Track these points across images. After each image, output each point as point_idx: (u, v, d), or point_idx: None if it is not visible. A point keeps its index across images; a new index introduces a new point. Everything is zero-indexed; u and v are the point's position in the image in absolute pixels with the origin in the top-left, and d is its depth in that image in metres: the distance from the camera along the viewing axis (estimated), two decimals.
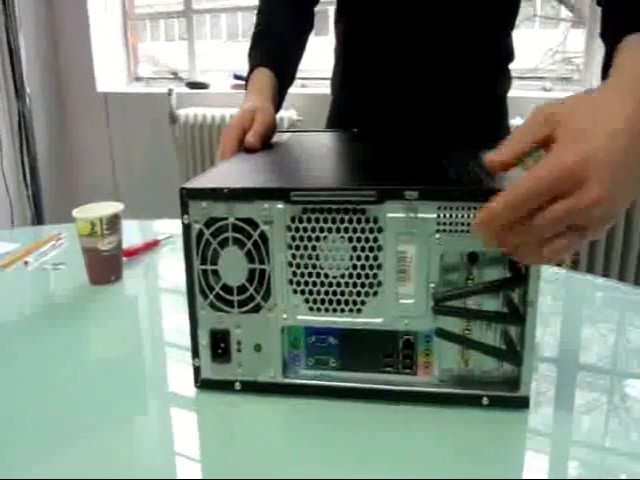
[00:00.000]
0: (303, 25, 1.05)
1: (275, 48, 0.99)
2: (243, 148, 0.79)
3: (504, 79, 1.07)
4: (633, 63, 0.53)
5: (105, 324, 0.81)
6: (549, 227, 0.48)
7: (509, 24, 1.02)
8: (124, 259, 0.97)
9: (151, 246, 1.08)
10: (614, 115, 0.48)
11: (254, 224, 0.58)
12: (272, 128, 0.85)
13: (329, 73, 1.12)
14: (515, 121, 2.22)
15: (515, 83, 2.28)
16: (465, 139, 0.79)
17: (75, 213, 0.90)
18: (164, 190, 2.70)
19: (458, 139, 0.81)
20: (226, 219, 0.58)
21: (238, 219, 0.58)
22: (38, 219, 2.78)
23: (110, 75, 3.14)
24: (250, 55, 0.99)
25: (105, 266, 0.92)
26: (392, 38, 0.98)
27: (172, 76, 3.14)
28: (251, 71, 0.96)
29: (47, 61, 3.06)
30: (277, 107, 0.94)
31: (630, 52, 0.55)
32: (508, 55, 1.05)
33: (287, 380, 0.62)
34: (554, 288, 0.90)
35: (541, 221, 0.47)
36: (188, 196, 0.59)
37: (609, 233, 2.24)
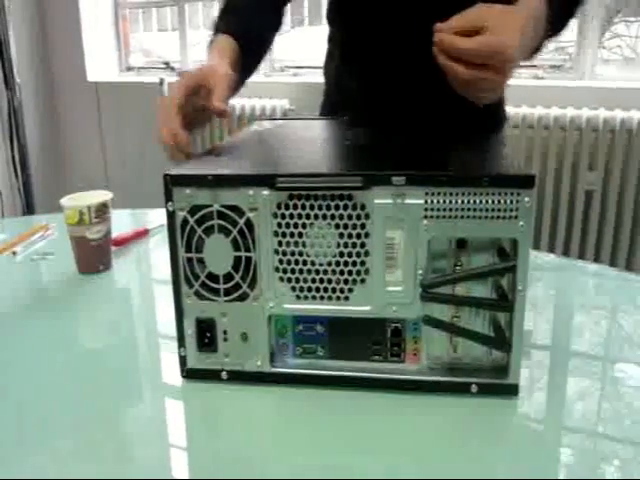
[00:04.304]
0: (273, 20, 0.99)
1: (241, 24, 0.91)
2: (214, 114, 0.72)
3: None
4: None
5: (94, 314, 0.80)
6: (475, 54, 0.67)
7: None
8: (113, 248, 0.96)
9: (141, 235, 1.07)
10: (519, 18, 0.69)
11: (239, 211, 0.57)
12: (232, 90, 0.76)
13: (321, 62, 1.11)
14: (507, 109, 2.21)
15: None
16: (460, 129, 0.80)
17: (63, 201, 0.90)
18: (156, 180, 2.68)
19: (452, 129, 0.81)
20: (211, 206, 0.57)
21: (223, 206, 0.57)
22: (28, 210, 2.76)
23: (101, 64, 3.12)
24: (214, 27, 0.90)
25: (93, 255, 0.91)
26: (391, 34, 0.96)
27: (164, 66, 3.11)
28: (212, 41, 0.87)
29: (37, 51, 3.03)
30: (238, 83, 0.83)
31: None
32: None
33: (274, 369, 0.61)
34: (546, 275, 0.90)
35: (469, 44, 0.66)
36: (172, 183, 0.58)
37: (600, 217, 2.24)
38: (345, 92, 1.07)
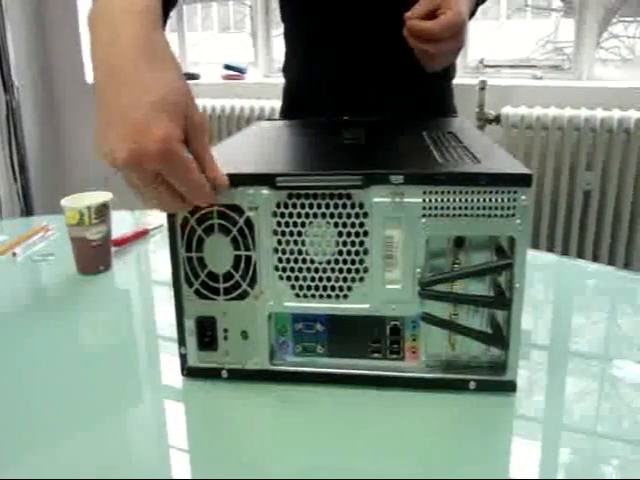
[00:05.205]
0: None
1: None
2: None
3: (451, 66, 1.11)
4: None
5: (94, 314, 0.80)
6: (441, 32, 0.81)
7: None
8: (114, 249, 0.97)
9: (141, 235, 1.07)
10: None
11: (239, 210, 0.58)
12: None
13: None
14: (506, 109, 2.22)
15: (506, 72, 2.29)
16: (414, 119, 0.91)
17: (63, 202, 0.90)
18: None
19: (408, 118, 0.92)
20: (211, 205, 0.58)
21: (223, 205, 0.58)
22: (27, 213, 2.76)
23: None
24: None
25: (94, 256, 0.92)
26: (356, 14, 1.01)
27: None
28: None
29: (36, 52, 3.03)
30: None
31: None
32: None
33: (274, 367, 0.62)
34: (545, 275, 0.90)
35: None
36: None
37: (598, 217, 2.25)
38: (313, 85, 1.09)
